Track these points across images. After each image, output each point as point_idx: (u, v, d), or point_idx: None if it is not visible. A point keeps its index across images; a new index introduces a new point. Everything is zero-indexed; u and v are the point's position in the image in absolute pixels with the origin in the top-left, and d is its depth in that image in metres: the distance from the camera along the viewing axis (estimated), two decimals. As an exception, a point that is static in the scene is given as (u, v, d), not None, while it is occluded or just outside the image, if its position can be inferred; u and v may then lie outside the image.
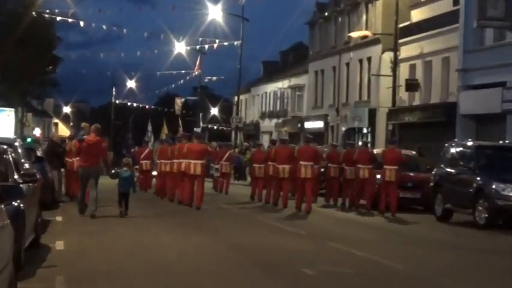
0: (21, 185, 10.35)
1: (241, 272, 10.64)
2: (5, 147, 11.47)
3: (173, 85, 67.09)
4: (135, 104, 78.18)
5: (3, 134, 25.99)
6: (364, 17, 45.62)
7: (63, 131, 62.15)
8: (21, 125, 47.33)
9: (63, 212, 18.97)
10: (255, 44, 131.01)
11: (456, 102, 32.87)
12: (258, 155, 25.92)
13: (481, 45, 31.88)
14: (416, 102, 38.18)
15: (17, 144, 14.14)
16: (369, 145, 32.51)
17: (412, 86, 37.84)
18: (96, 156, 17.75)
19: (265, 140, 51.13)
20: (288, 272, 10.65)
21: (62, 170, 22.08)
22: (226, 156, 30.01)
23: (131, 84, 76.38)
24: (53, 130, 66.38)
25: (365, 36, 43.32)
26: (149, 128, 57.89)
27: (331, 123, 49.84)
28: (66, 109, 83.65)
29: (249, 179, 33.41)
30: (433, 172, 21.31)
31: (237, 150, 44.81)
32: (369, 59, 44.17)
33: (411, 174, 23.32)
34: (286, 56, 67.54)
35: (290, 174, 22.00)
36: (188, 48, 51.42)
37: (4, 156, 10.95)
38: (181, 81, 63.74)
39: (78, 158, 18.83)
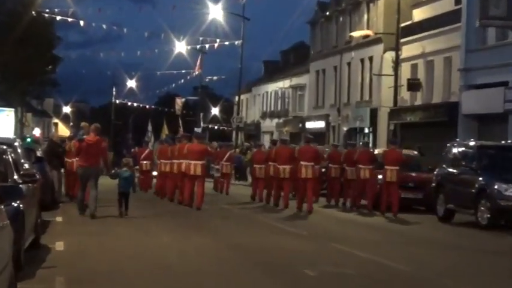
0: (20, 186, 10.33)
1: (242, 273, 10.59)
2: (4, 147, 11.43)
3: (173, 85, 67.05)
4: (135, 104, 78.16)
5: (3, 134, 25.92)
6: (365, 16, 45.57)
7: (63, 131, 62.11)
8: (20, 125, 47.31)
9: (63, 212, 18.94)
10: (256, 43, 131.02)
11: (458, 102, 32.82)
12: (258, 155, 25.86)
13: (483, 45, 31.82)
14: (418, 102, 38.13)
15: (16, 144, 14.11)
16: (370, 145, 32.50)
17: (413, 85, 37.78)
18: (96, 156, 17.69)
19: (266, 140, 51.10)
20: (289, 272, 10.59)
21: (62, 170, 22.02)
22: (226, 156, 29.97)
23: (131, 84, 76.31)
24: (53, 130, 66.37)
25: (366, 36, 43.26)
26: (149, 128, 57.85)
27: (333, 123, 49.78)
28: (66, 109, 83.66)
29: (249, 179, 33.34)
30: (435, 172, 21.26)
31: (237, 150, 44.74)
32: (371, 59, 44.12)
33: (413, 174, 23.27)
34: (287, 56, 67.48)
35: (291, 174, 21.95)
36: (189, 47, 51.32)
37: (4, 156, 10.90)
38: (182, 81, 63.71)
39: (77, 159, 18.75)
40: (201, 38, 48.70)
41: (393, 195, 21.03)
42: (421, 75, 37.91)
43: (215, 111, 75.62)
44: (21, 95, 46.61)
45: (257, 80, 69.63)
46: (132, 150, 33.99)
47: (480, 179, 18.37)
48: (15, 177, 10.72)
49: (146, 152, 29.04)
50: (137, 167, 27.21)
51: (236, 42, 48.79)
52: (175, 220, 17.88)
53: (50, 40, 45.21)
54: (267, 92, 64.95)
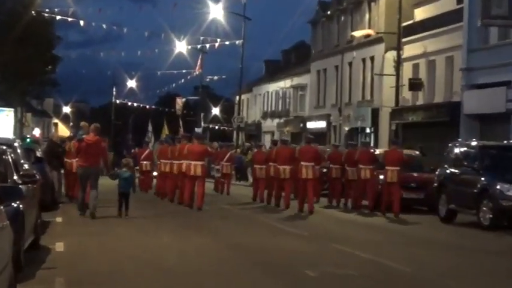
0: (20, 186, 10.29)
1: (242, 273, 10.56)
2: (4, 147, 11.39)
3: (174, 85, 66.98)
4: (135, 104, 78.15)
5: (3, 134, 25.89)
6: (367, 15, 45.53)
7: (63, 131, 62.15)
8: (20, 125, 47.27)
9: (63, 213, 18.92)
10: (257, 43, 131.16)
11: (460, 101, 32.74)
12: (258, 155, 25.82)
13: (485, 44, 31.74)
14: (420, 101, 38.07)
15: (16, 144, 14.06)
16: (371, 145, 32.43)
17: (415, 85, 37.72)
18: (96, 156, 17.65)
19: (267, 140, 51.06)
20: (289, 273, 10.55)
21: (62, 170, 21.97)
22: (227, 156, 29.95)
23: (131, 83, 76.29)
24: (53, 130, 66.42)
25: (368, 35, 43.18)
26: (150, 128, 57.85)
27: (334, 123, 49.73)
28: (66, 109, 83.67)
29: (250, 179, 33.30)
30: (436, 172, 21.19)
31: (238, 150, 44.69)
32: (372, 58, 44.06)
33: (415, 174, 23.20)
34: (288, 55, 67.42)
35: (291, 174, 21.89)
36: (189, 47, 51.27)
37: (3, 156, 10.87)
38: (182, 80, 63.65)
39: (77, 159, 18.70)
40: (201, 38, 48.69)
41: (394, 196, 20.96)
42: (422, 74, 37.85)
43: (216, 111, 75.58)
44: (21, 95, 46.55)
45: (258, 79, 69.59)
46: (132, 150, 34.00)
47: (482, 179, 18.31)
48: (15, 177, 10.70)
49: (146, 152, 29.03)
50: (137, 167, 27.19)
51: (237, 42, 48.78)
52: (176, 220, 17.85)
53: (50, 40, 45.14)
54: (267, 92, 64.91)
